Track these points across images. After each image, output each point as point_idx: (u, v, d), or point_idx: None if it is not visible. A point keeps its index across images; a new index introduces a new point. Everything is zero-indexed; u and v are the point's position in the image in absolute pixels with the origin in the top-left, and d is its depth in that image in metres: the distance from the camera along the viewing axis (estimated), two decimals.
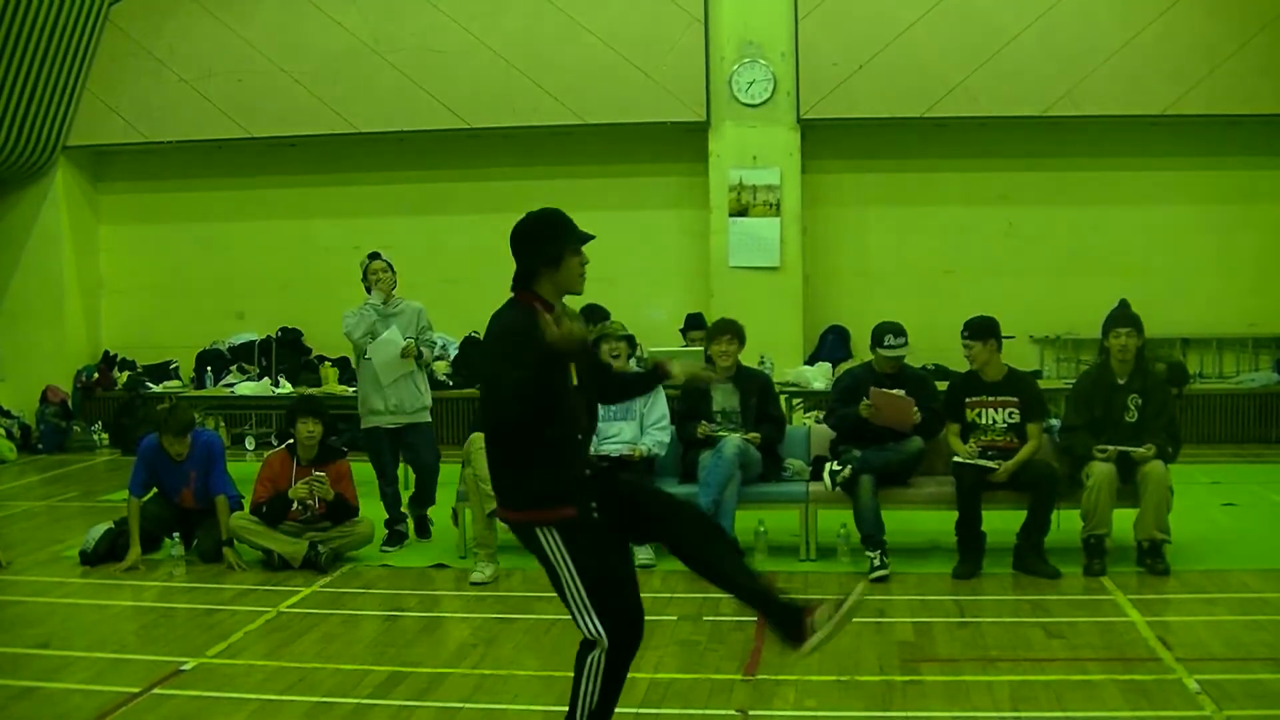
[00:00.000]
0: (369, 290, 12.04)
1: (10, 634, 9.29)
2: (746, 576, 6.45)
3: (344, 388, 15.62)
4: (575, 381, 6.18)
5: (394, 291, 12.05)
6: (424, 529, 12.17)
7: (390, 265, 12.09)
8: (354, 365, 12.39)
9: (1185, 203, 17.46)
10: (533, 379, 5.88)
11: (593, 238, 6.34)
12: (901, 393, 10.86)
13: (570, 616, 6.07)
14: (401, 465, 12.42)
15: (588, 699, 6.09)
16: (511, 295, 6.28)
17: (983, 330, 10.80)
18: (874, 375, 11.15)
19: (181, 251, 19.40)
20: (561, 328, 5.97)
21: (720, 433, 11.01)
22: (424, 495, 12.21)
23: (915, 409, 10.77)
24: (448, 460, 12.98)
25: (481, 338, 17.59)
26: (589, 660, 6.07)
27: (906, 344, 11.07)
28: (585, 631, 6.04)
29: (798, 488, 11.06)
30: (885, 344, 11.03)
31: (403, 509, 12.15)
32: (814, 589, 10.10)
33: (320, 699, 7.59)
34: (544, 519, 6.02)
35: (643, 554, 10.86)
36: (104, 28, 18.35)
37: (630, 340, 11.56)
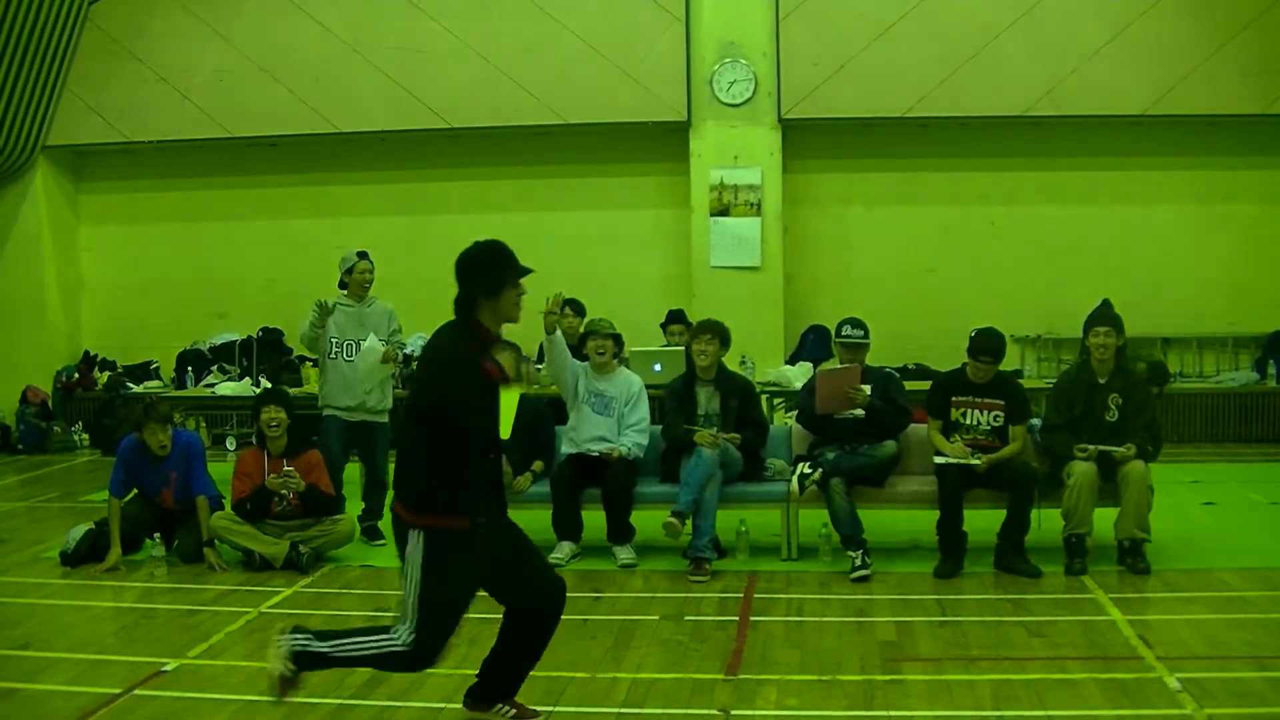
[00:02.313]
0: (343, 286, 12.02)
1: None
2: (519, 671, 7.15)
3: None
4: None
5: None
6: (375, 535, 12.04)
7: (373, 266, 12.12)
8: (318, 363, 12.33)
9: (1166, 202, 17.50)
10: (472, 400, 6.46)
11: (531, 271, 6.71)
12: (849, 367, 10.91)
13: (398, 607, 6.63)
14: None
15: (351, 651, 6.65)
16: (455, 319, 6.69)
17: (1001, 352, 10.79)
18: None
19: (162, 251, 19.34)
20: (503, 360, 6.48)
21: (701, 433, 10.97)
22: (375, 506, 12.09)
23: (862, 387, 10.80)
24: None
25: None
26: (382, 639, 6.58)
27: (866, 336, 11.08)
28: (399, 628, 6.55)
29: (779, 487, 11.05)
30: (841, 334, 11.08)
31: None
32: (795, 588, 10.12)
33: (301, 700, 7.55)
34: (423, 524, 6.52)
35: (624, 554, 10.87)
36: (84, 26, 18.30)
37: (618, 339, 11.56)
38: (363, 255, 12.13)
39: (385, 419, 12.27)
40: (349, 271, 12.03)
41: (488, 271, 6.64)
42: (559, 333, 11.20)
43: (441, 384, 6.56)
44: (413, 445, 6.68)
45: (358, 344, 11.90)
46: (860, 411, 10.90)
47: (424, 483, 6.57)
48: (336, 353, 11.89)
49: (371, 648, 6.61)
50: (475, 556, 6.57)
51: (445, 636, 6.64)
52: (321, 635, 6.77)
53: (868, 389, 10.90)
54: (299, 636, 6.73)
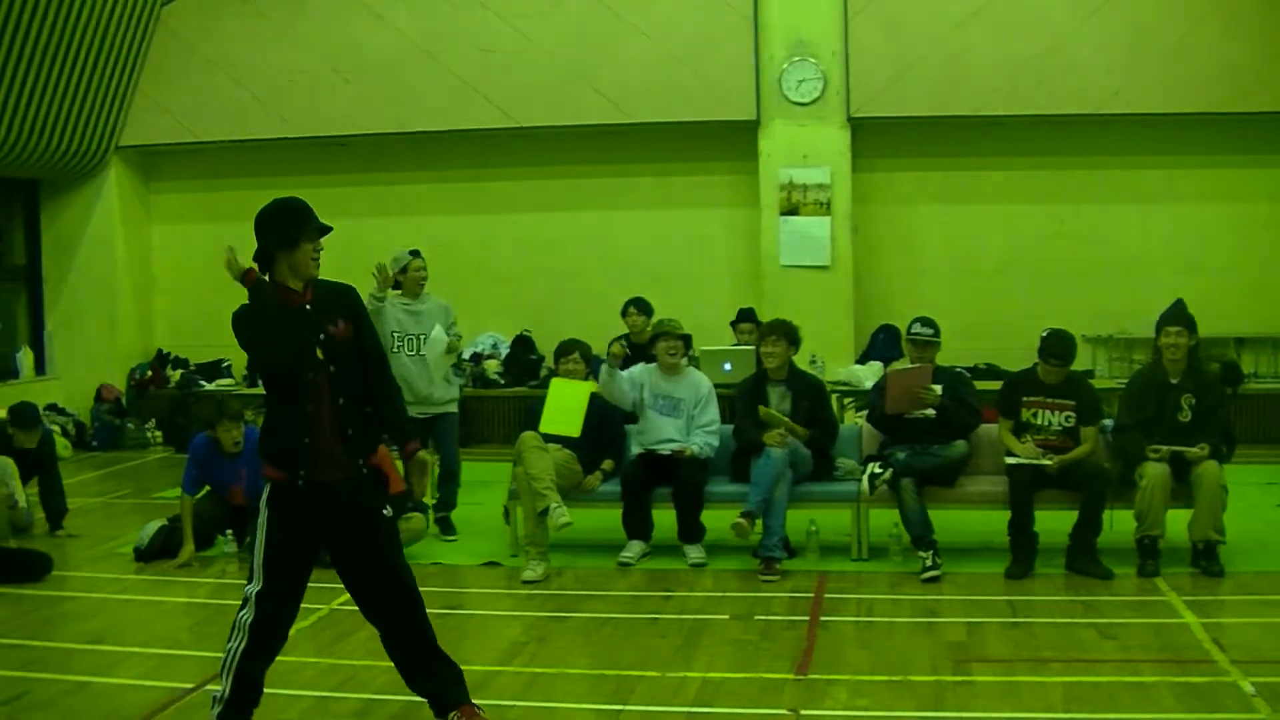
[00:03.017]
0: (397, 285, 12.15)
1: (64, 629, 9.38)
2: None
3: None
4: (321, 357, 6.66)
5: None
6: (448, 528, 12.27)
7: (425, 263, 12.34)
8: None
9: (1240, 200, 17.31)
10: (259, 347, 6.70)
11: (330, 229, 6.94)
12: (919, 366, 10.88)
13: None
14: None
15: (232, 656, 6.64)
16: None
17: (1071, 356, 10.75)
18: None
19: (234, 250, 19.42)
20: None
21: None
22: (449, 498, 12.36)
23: (932, 386, 10.76)
24: (498, 458, 13.05)
25: (525, 337, 17.75)
26: (238, 618, 6.62)
27: (937, 335, 11.04)
28: (245, 592, 6.65)
29: (849, 487, 11.03)
30: (912, 331, 11.05)
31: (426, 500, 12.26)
32: (865, 588, 10.10)
33: (370, 696, 7.62)
34: (267, 475, 6.69)
35: (694, 554, 10.87)
36: (155, 28, 18.44)
37: (687, 340, 11.56)
38: (415, 254, 12.37)
39: (454, 409, 12.49)
40: (403, 271, 12.19)
41: (283, 226, 6.71)
42: (619, 373, 11.30)
43: (240, 332, 6.69)
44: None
45: (418, 339, 12.12)
46: (931, 411, 10.85)
47: (263, 435, 6.87)
48: (399, 348, 12.01)
49: (238, 636, 6.64)
50: (300, 513, 6.64)
51: (282, 599, 6.65)
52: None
53: (938, 388, 10.85)
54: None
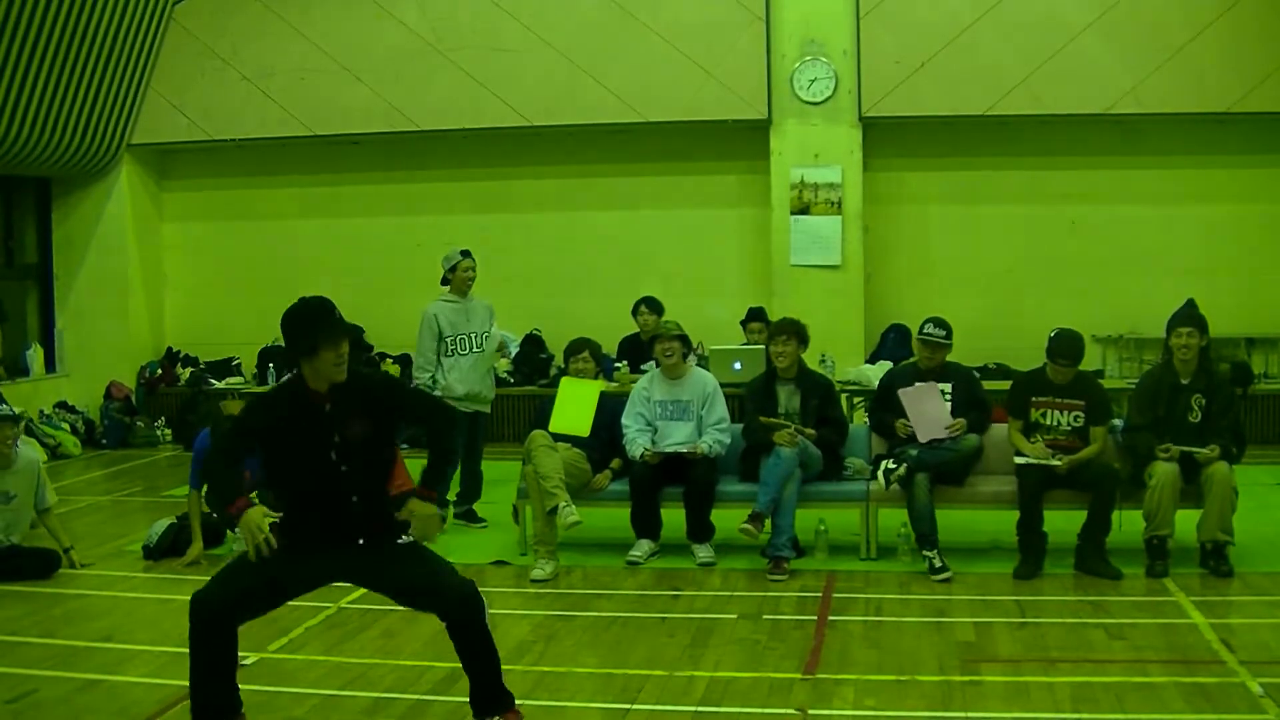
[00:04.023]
0: (445, 283, 12.32)
1: (74, 627, 9.38)
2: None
3: None
4: (334, 459, 6.70)
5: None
6: (474, 518, 12.56)
7: (475, 264, 12.48)
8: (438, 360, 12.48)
9: (1251, 201, 17.28)
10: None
11: (354, 333, 6.78)
12: (926, 384, 10.87)
13: None
14: None
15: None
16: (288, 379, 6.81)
17: (1079, 356, 10.73)
18: (918, 372, 11.15)
19: (244, 248, 19.53)
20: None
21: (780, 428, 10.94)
22: (471, 489, 12.61)
23: (959, 421, 10.78)
24: (508, 457, 13.07)
25: (536, 335, 17.77)
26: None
27: (949, 337, 11.05)
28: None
29: (858, 487, 11.04)
30: (924, 332, 11.05)
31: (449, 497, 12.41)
32: (874, 587, 10.09)
33: (380, 695, 7.63)
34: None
35: (703, 553, 10.87)
36: (168, 26, 18.46)
37: (684, 339, 11.54)
38: (466, 254, 12.61)
39: (488, 409, 12.87)
40: (452, 269, 12.44)
41: (302, 334, 6.64)
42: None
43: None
44: None
45: (470, 337, 12.42)
46: (953, 429, 10.84)
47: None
48: (453, 349, 12.30)
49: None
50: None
51: (220, 601, 6.60)
52: None
53: (963, 422, 10.86)
54: None
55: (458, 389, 12.23)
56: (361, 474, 6.73)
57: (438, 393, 12.12)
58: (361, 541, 6.76)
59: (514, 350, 18.16)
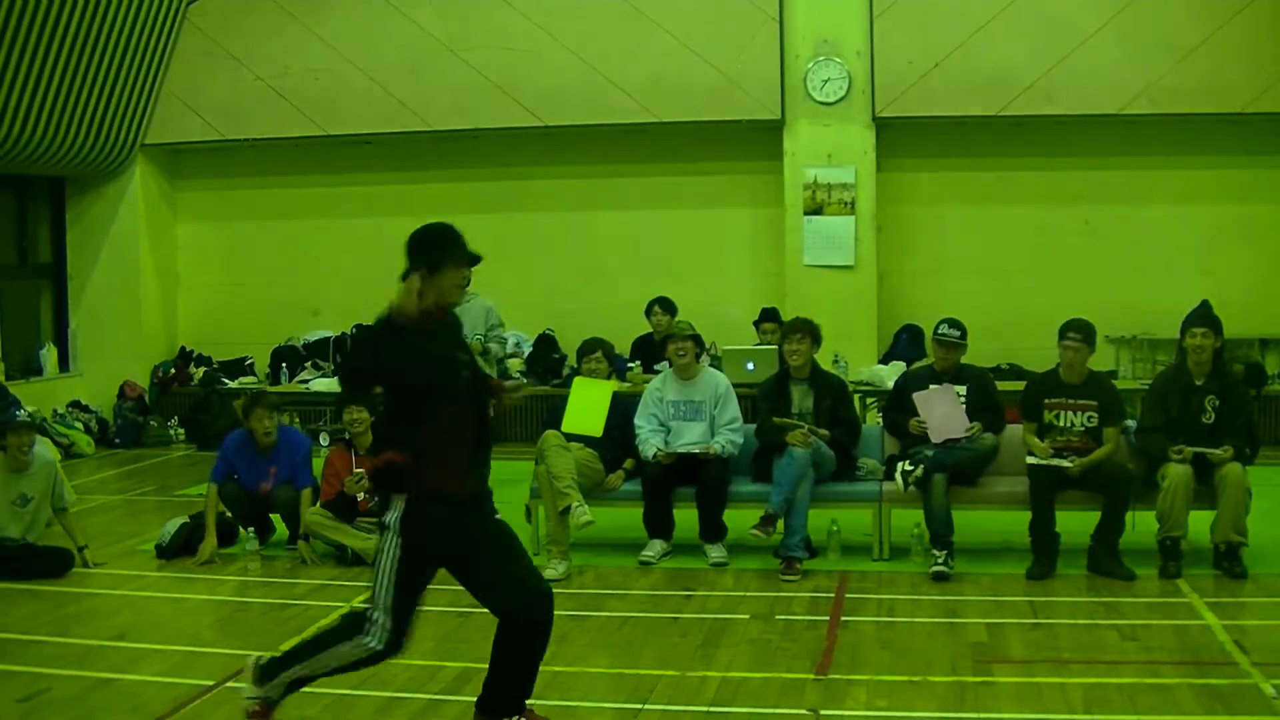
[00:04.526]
0: None
1: (88, 626, 9.40)
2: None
3: None
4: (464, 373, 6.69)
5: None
6: None
7: None
8: None
9: (1264, 202, 17.24)
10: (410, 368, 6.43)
11: (479, 259, 6.69)
12: (942, 386, 10.85)
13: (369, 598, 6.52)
14: None
15: (313, 666, 6.66)
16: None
17: (1091, 334, 10.71)
18: (933, 374, 11.14)
19: (258, 248, 19.55)
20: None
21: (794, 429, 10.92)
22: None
23: (974, 425, 10.75)
24: (520, 457, 13.06)
25: (549, 335, 17.74)
26: (357, 639, 6.51)
27: (964, 337, 11.04)
28: (370, 615, 6.50)
29: (871, 487, 11.03)
30: (938, 332, 11.03)
31: None
32: (886, 588, 10.09)
33: (392, 694, 7.64)
34: (401, 493, 6.57)
35: (716, 553, 10.87)
36: (182, 27, 18.50)
37: (697, 339, 11.54)
38: None
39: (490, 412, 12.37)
40: None
41: (428, 250, 6.55)
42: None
43: (370, 354, 6.57)
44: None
45: None
46: (971, 431, 10.82)
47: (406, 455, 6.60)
48: None
49: (343, 657, 6.64)
50: (441, 532, 6.62)
51: (405, 632, 6.60)
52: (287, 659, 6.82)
53: (979, 425, 10.84)
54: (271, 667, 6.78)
55: None
56: (479, 387, 6.85)
57: None
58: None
59: (527, 350, 18.16)
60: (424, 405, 6.48)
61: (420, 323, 6.35)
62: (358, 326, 17.22)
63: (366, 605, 6.51)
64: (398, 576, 6.45)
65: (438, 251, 6.51)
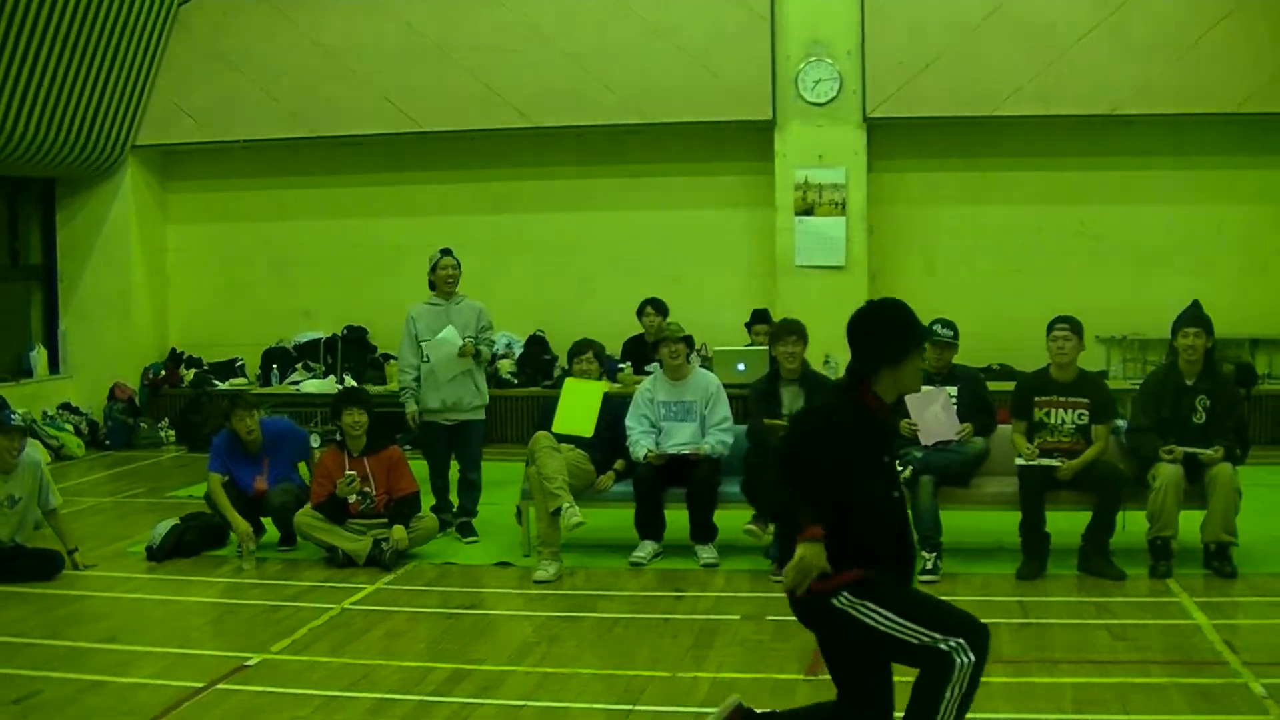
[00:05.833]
0: (433, 286, 12.10)
1: (79, 628, 9.39)
2: None
3: None
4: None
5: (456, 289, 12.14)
6: (469, 531, 12.11)
7: (458, 263, 12.16)
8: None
9: (1256, 202, 17.23)
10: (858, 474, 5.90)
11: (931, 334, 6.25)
12: (934, 389, 10.85)
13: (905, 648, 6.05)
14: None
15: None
16: (844, 387, 6.16)
17: (1079, 327, 10.71)
18: (925, 375, 11.11)
19: (249, 250, 19.51)
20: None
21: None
22: (469, 504, 12.22)
23: (965, 426, 10.73)
24: (511, 458, 13.07)
25: (539, 336, 17.68)
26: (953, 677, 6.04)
27: (956, 337, 11.04)
28: (946, 647, 6.04)
29: None
30: (933, 332, 11.00)
31: (450, 496, 12.28)
32: None
33: (383, 696, 7.63)
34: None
35: (706, 554, 10.86)
36: (173, 28, 18.48)
37: (688, 341, 11.55)
38: (446, 252, 12.20)
39: (481, 415, 12.35)
40: (433, 269, 12.09)
41: (893, 340, 5.99)
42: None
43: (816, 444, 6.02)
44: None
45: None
46: (961, 433, 10.82)
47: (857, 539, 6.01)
48: (427, 354, 11.94)
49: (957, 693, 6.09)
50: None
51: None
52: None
53: (970, 427, 10.84)
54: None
55: (431, 402, 11.99)
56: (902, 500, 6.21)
57: (415, 408, 12.07)
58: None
59: (518, 351, 18.15)
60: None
61: (875, 416, 6.03)
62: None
63: (929, 648, 6.04)
64: (901, 608, 6.03)
65: (901, 341, 6.00)
